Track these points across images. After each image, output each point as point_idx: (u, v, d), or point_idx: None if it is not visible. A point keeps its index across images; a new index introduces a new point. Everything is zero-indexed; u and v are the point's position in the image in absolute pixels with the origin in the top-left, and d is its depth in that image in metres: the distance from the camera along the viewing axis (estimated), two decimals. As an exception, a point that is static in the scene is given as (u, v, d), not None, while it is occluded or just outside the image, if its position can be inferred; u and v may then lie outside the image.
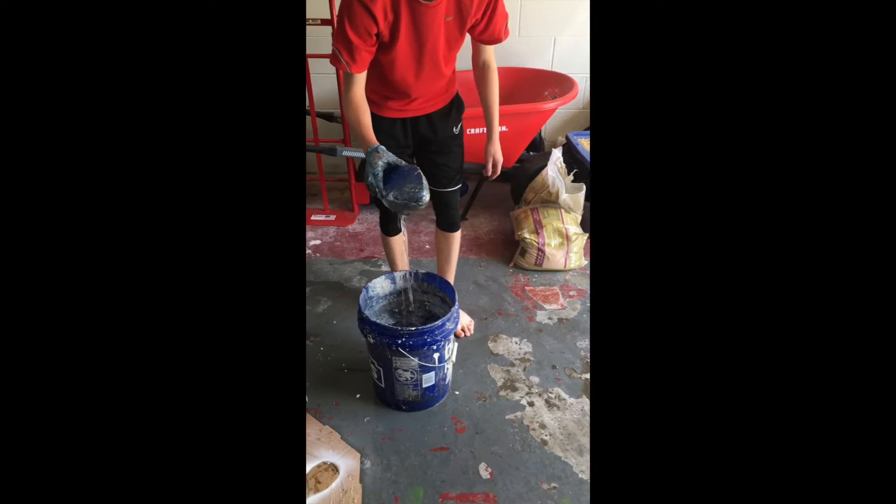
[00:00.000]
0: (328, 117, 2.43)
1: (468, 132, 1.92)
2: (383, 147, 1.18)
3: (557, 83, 2.39)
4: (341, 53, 1.17)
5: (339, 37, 1.16)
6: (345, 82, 1.24)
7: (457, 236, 1.64)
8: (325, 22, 2.07)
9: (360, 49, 1.16)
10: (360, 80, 1.23)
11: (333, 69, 2.21)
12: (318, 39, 2.36)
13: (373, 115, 1.31)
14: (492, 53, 1.38)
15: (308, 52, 2.18)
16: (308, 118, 2.35)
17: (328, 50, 2.10)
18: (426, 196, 1.14)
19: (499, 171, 1.53)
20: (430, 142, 1.46)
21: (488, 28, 1.28)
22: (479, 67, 1.41)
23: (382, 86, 1.32)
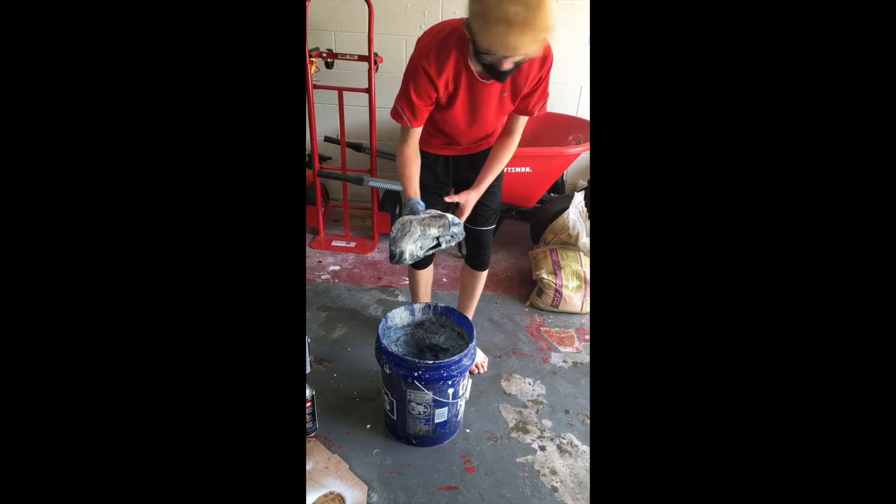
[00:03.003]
0: (357, 147, 2.50)
1: (506, 171, 1.93)
2: (421, 206, 1.28)
3: (582, 129, 2.44)
4: (404, 112, 1.27)
5: (403, 97, 1.26)
6: (402, 134, 1.32)
7: (484, 275, 1.66)
8: (361, 58, 2.16)
9: (421, 108, 1.26)
10: (417, 133, 1.32)
11: (365, 103, 2.29)
12: (355, 74, 2.46)
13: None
14: (520, 125, 1.39)
15: (344, 85, 2.27)
16: (338, 147, 2.42)
17: (364, 84, 2.22)
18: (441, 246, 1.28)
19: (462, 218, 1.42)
20: (470, 182, 1.49)
21: (525, 101, 1.32)
22: (505, 131, 1.42)
23: (433, 128, 1.38)
